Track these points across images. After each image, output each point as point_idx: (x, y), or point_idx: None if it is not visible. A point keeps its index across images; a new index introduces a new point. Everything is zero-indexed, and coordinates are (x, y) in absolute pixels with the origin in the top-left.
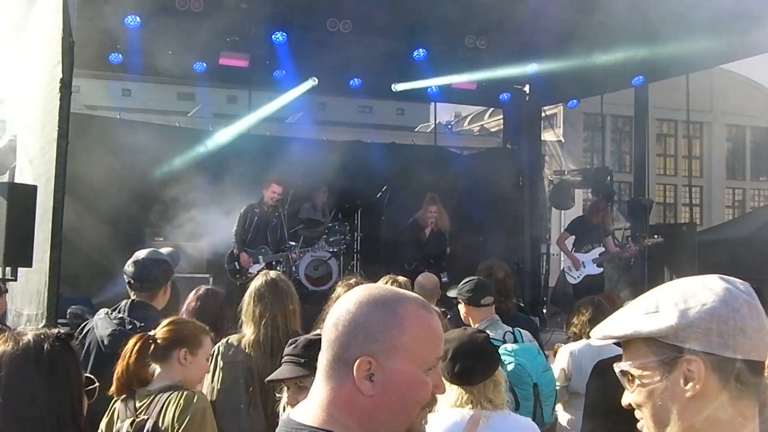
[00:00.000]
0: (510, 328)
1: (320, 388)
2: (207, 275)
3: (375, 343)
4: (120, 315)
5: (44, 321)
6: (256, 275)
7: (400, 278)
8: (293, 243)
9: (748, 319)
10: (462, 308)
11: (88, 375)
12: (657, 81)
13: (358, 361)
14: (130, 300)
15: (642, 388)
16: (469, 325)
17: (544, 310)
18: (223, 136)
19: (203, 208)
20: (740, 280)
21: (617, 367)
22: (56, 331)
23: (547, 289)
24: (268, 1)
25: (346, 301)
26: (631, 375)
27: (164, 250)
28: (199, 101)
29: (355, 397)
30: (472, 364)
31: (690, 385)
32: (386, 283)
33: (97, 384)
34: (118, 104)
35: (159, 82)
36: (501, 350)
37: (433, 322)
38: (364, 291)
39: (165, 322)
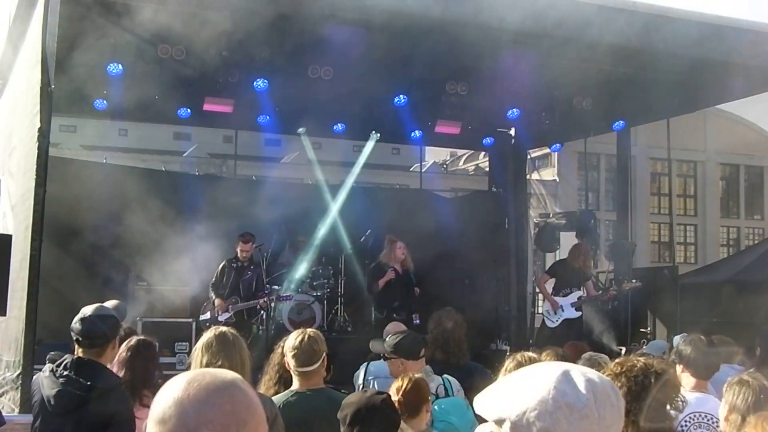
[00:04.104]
0: (441, 381)
1: None
2: (190, 320)
3: (246, 424)
4: (66, 373)
5: (21, 368)
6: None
7: (310, 330)
8: (277, 287)
9: (562, 424)
10: (396, 363)
11: None
12: (638, 125)
13: None
14: (75, 357)
15: None
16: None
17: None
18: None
19: (187, 253)
20: (587, 377)
21: None
22: None
23: (533, 330)
24: (248, 48)
25: (195, 405)
26: None
27: (109, 304)
28: (195, 141)
29: None
30: (369, 429)
31: None
32: (297, 337)
33: None
34: (115, 144)
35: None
36: (433, 408)
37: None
38: (198, 389)
39: None
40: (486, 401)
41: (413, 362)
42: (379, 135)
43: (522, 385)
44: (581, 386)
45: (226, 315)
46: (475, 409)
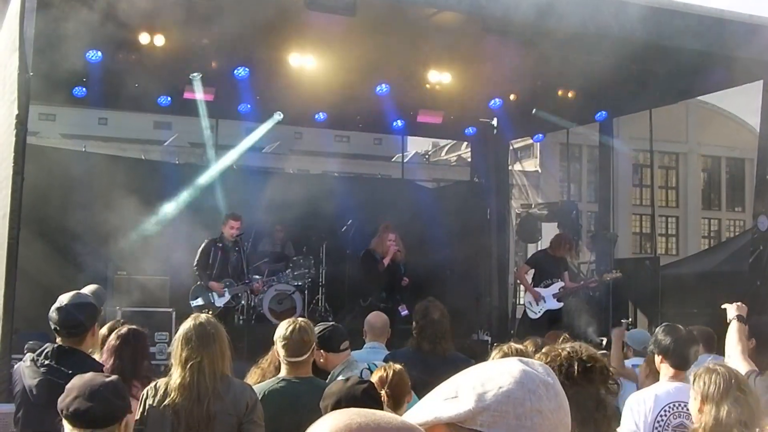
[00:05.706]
0: (366, 365)
1: None
2: (170, 309)
3: None
4: (47, 362)
5: None
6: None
7: (300, 320)
8: (258, 276)
9: (545, 401)
10: (317, 355)
11: None
12: (620, 116)
13: None
14: (56, 345)
15: None
16: (327, 371)
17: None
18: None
19: (167, 242)
20: (540, 362)
21: None
22: None
23: (514, 321)
24: (229, 36)
25: None
26: None
27: (87, 289)
28: (176, 130)
29: None
30: None
31: None
32: (288, 327)
33: None
34: (94, 132)
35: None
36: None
37: None
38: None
39: None
40: (446, 398)
41: (333, 354)
42: (281, 115)
43: (476, 380)
44: (539, 368)
45: (225, 299)
46: (434, 411)
